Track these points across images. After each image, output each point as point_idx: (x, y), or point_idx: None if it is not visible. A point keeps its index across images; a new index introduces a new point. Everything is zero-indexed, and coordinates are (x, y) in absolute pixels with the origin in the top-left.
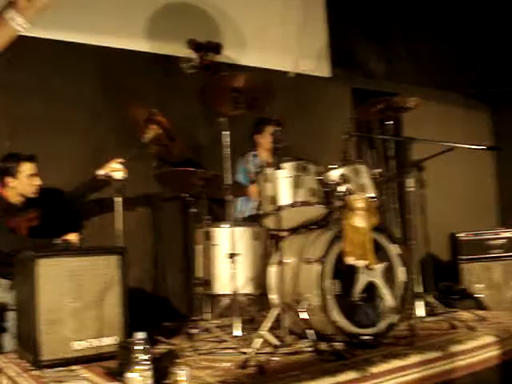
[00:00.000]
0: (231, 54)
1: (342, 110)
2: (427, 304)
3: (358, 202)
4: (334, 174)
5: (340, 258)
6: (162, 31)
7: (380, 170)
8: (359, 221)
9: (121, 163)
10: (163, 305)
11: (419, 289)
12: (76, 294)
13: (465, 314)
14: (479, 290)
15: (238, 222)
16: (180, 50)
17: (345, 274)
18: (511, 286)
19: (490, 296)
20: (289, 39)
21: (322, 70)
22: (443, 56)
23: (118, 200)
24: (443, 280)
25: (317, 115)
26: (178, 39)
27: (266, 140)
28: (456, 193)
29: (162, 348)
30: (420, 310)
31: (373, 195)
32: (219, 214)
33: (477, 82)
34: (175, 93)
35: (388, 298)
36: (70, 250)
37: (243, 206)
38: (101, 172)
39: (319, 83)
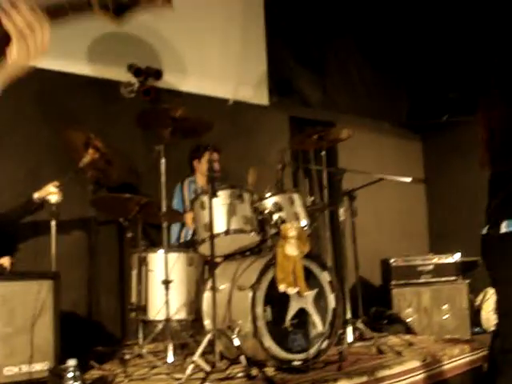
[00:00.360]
0: (171, 80)
1: (280, 137)
2: (356, 329)
3: (290, 230)
4: (269, 203)
5: (272, 285)
6: (103, 55)
7: (313, 199)
8: (291, 249)
9: (57, 187)
10: (97, 329)
11: (349, 315)
12: (7, 319)
13: (393, 339)
14: (409, 314)
15: (172, 248)
16: (120, 75)
17: (277, 300)
18: (439, 311)
19: (418, 320)
20: (228, 66)
21: (261, 97)
22: (378, 86)
23: (53, 223)
24: (375, 305)
25: (255, 143)
26: (118, 64)
27: (203, 166)
28: (389, 220)
29: (94, 373)
30: (349, 335)
31: (305, 223)
32: (156, 240)
33: (409, 112)
34: (114, 117)
35: (318, 324)
36: (1, 275)
37: (181, 232)
38: (36, 195)
39: (258, 111)
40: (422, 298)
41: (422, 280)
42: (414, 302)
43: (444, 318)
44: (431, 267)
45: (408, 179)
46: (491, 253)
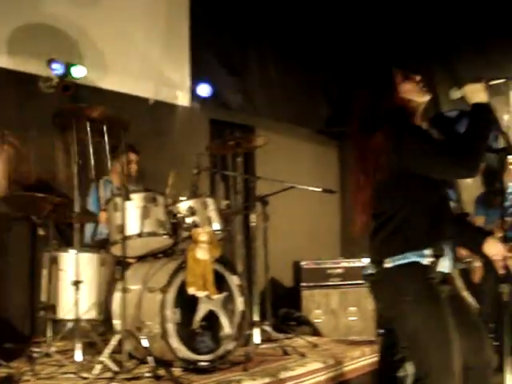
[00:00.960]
0: (92, 77)
1: (200, 140)
2: (264, 331)
3: (202, 235)
4: (183, 206)
5: (182, 287)
6: (23, 48)
7: (228, 203)
8: (201, 253)
9: None
10: (6, 326)
11: (256, 317)
12: None
13: (299, 341)
14: (318, 316)
15: (84, 248)
16: (39, 69)
17: (186, 303)
18: (347, 313)
19: (326, 322)
20: (151, 66)
21: (182, 98)
22: (298, 92)
23: None
24: (286, 306)
25: (175, 144)
26: (37, 58)
27: (118, 167)
28: (304, 224)
29: (1, 371)
30: (256, 337)
31: (218, 228)
32: (69, 239)
33: (329, 119)
34: (32, 113)
35: (226, 326)
36: None
37: (96, 228)
38: None
39: (178, 112)
40: (331, 300)
41: (331, 282)
42: (323, 303)
43: (351, 319)
44: (340, 271)
45: (318, 189)
46: (381, 292)
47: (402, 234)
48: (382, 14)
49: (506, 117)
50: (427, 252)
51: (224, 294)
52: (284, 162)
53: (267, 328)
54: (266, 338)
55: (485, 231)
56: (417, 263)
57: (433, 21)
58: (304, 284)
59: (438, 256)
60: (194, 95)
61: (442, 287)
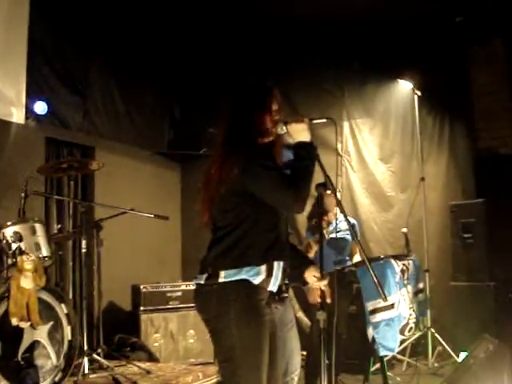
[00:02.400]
0: None
1: (35, 160)
2: (94, 360)
3: (27, 262)
4: (9, 232)
5: (5, 318)
6: None
7: (59, 227)
8: (26, 282)
9: None
10: None
11: (87, 345)
12: None
13: (132, 368)
14: (156, 340)
15: None
16: None
17: (10, 334)
18: (185, 336)
19: (165, 346)
20: None
21: (17, 116)
22: (141, 113)
23: None
24: (124, 331)
25: (8, 163)
26: None
27: None
28: (145, 247)
29: None
30: (85, 366)
31: (46, 254)
32: None
33: (171, 142)
34: None
35: (53, 357)
36: None
37: None
38: None
39: (12, 130)
40: (169, 323)
41: (170, 306)
42: (162, 327)
43: (190, 342)
44: (179, 294)
45: (151, 215)
46: (208, 304)
47: (240, 249)
48: (224, 45)
49: (339, 145)
50: (261, 270)
51: (50, 323)
52: (126, 183)
53: (97, 357)
54: (98, 367)
55: (309, 260)
56: (247, 281)
57: (268, 49)
58: (142, 308)
59: (270, 275)
60: (29, 112)
61: (267, 310)
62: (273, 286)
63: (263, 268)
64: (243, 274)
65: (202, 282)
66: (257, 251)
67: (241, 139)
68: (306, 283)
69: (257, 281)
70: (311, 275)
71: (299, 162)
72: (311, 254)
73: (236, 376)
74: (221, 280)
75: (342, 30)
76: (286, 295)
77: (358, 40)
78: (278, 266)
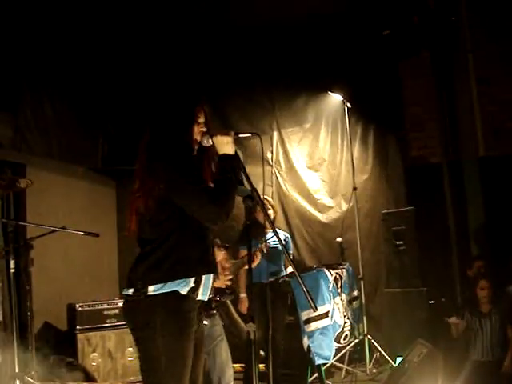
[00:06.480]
0: None
1: None
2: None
3: None
4: None
5: None
6: None
7: None
8: None
9: None
10: None
11: (17, 368)
12: None
13: None
14: (94, 359)
15: None
16: None
17: None
18: (124, 354)
19: (103, 365)
20: None
21: None
22: (74, 130)
23: None
24: (61, 351)
25: None
26: None
27: None
28: (81, 265)
29: None
30: None
31: None
32: None
33: (105, 158)
34: None
35: None
36: None
37: None
38: None
39: None
40: (107, 341)
41: (107, 324)
42: (100, 346)
43: (129, 360)
44: (116, 311)
45: (81, 233)
46: (136, 313)
47: (168, 264)
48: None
49: (269, 155)
50: (190, 280)
51: None
52: (60, 200)
53: (30, 379)
54: None
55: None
56: (175, 293)
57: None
58: (79, 327)
59: (198, 284)
60: None
61: (193, 321)
62: (202, 296)
63: (192, 280)
64: (172, 286)
65: (130, 294)
66: (185, 265)
67: (165, 151)
68: None
69: (184, 291)
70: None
71: (222, 174)
72: (253, 264)
73: None
74: (150, 293)
75: (274, 42)
76: (214, 312)
77: (289, 53)
78: (207, 277)
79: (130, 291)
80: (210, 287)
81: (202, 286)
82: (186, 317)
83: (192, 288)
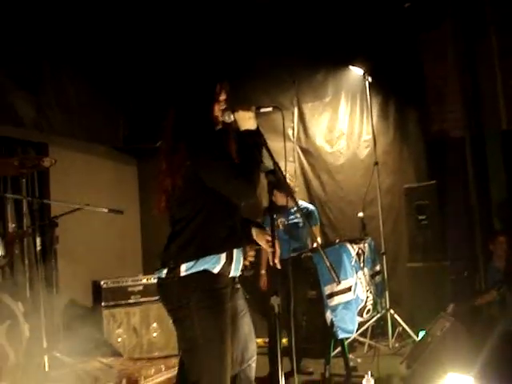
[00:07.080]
0: None
1: None
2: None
3: None
4: None
5: None
6: None
7: (14, 226)
8: None
9: None
10: None
11: (46, 343)
12: None
13: (94, 363)
14: (119, 335)
15: None
16: None
17: None
18: (148, 330)
19: (128, 340)
20: None
21: None
22: (96, 109)
23: None
24: (86, 328)
25: None
26: None
27: None
28: (104, 242)
29: None
30: (46, 364)
31: (0, 254)
32: None
33: (126, 136)
34: None
35: (11, 356)
36: None
37: None
38: None
39: None
40: (132, 317)
41: (131, 300)
42: (124, 322)
43: (153, 336)
44: (141, 288)
45: (105, 210)
46: (171, 295)
47: (199, 240)
48: (175, 35)
49: (290, 131)
50: (221, 257)
51: (7, 322)
52: (82, 179)
53: (58, 354)
54: (60, 364)
55: (250, 220)
56: (207, 272)
57: (218, 39)
58: (104, 304)
59: (230, 261)
60: None
61: (227, 297)
62: (235, 271)
63: (223, 256)
64: (203, 265)
65: (164, 276)
66: (216, 240)
67: (189, 130)
68: (258, 244)
69: (217, 269)
70: (263, 239)
71: (245, 150)
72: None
73: (199, 365)
74: (182, 273)
75: (294, 17)
76: (239, 286)
77: (309, 28)
78: (237, 252)
79: (164, 273)
80: (241, 262)
81: (234, 261)
82: (220, 293)
83: (224, 265)
